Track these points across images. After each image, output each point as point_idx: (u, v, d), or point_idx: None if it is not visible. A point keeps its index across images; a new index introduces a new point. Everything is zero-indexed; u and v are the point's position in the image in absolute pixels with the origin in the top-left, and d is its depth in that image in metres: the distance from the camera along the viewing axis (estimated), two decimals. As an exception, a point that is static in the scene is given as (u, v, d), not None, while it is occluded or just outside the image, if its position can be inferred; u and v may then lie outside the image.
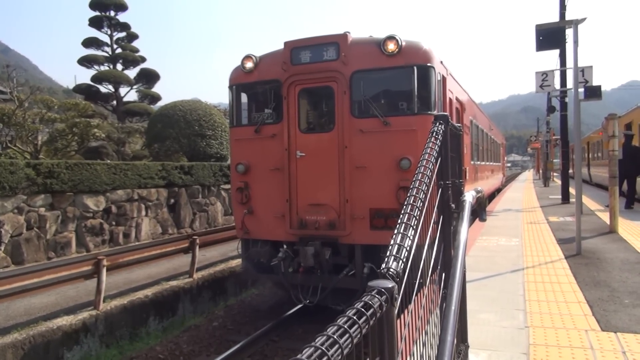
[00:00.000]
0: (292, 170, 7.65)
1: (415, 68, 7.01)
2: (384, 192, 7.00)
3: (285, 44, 7.75)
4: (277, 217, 7.74)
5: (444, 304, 2.23)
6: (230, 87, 8.41)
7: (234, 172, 8.24)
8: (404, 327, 1.85)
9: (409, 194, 2.06)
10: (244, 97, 8.57)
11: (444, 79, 7.93)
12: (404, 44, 7.06)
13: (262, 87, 8.13)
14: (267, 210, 7.87)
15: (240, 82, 8.31)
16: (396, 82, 7.49)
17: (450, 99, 8.81)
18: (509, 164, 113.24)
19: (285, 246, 7.67)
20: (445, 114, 2.97)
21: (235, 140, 8.39)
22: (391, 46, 7.00)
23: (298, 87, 7.72)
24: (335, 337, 1.07)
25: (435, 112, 6.98)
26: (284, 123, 7.71)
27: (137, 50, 32.12)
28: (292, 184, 7.65)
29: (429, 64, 7.13)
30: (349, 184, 7.25)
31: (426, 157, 2.37)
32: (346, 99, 7.31)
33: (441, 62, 7.78)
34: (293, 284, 7.63)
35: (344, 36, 7.35)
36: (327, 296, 7.29)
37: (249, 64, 8.04)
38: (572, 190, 15.38)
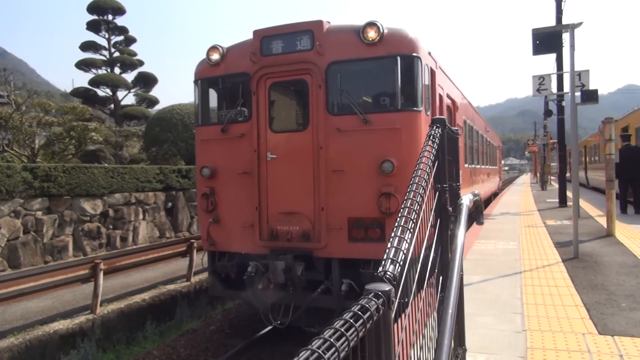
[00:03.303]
0: (262, 174, 6.92)
1: (398, 58, 6.28)
2: (364, 199, 6.30)
3: (255, 32, 6.97)
4: (245, 226, 6.99)
5: (442, 308, 2.24)
6: (196, 82, 7.63)
7: (199, 177, 7.49)
8: (401, 331, 1.85)
9: (406, 197, 2.06)
10: (210, 93, 7.81)
11: (432, 72, 7.20)
12: (386, 31, 6.32)
13: (230, 81, 7.40)
14: (234, 219, 7.12)
15: (205, 76, 7.53)
16: (377, 74, 6.71)
17: (440, 95, 8.04)
18: (506, 168, 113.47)
19: (256, 260, 6.89)
20: (442, 117, 2.97)
21: (201, 141, 7.58)
22: (371, 34, 6.27)
23: (269, 80, 6.97)
24: (332, 340, 1.07)
25: (421, 109, 6.43)
26: (253, 121, 6.98)
27: (134, 54, 32.19)
28: (262, 189, 6.93)
29: (414, 54, 6.38)
30: (324, 190, 6.52)
31: (423, 160, 2.38)
32: (321, 94, 6.58)
33: (429, 53, 7.03)
34: (263, 303, 6.82)
35: (319, 23, 6.63)
36: (301, 316, 6.58)
37: (215, 56, 7.27)
38: (569, 194, 15.43)
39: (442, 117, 3.05)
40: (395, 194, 6.09)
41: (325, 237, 6.53)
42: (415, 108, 6.37)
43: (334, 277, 6.48)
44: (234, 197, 7.13)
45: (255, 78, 6.94)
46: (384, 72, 6.55)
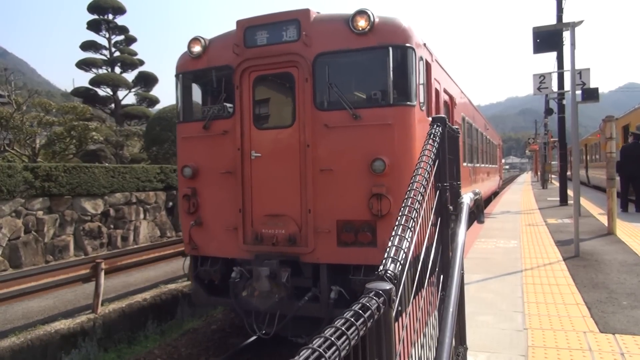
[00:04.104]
0: (246, 174, 6.51)
1: (390, 49, 5.86)
2: (354, 201, 5.90)
3: (238, 22, 6.57)
4: (228, 230, 6.58)
5: (442, 306, 2.24)
6: (177, 76, 7.25)
7: (180, 177, 7.12)
8: (402, 329, 1.85)
9: (406, 196, 2.06)
10: (192, 88, 7.45)
11: (428, 65, 6.80)
12: (377, 20, 5.89)
13: (212, 75, 7.00)
14: (217, 222, 6.73)
15: (187, 69, 7.14)
16: (368, 66, 6.28)
17: (436, 90, 7.57)
18: (506, 166, 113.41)
19: (241, 265, 6.52)
20: (443, 116, 2.97)
21: (182, 139, 7.19)
22: (362, 23, 5.85)
23: (253, 74, 6.56)
24: (332, 339, 1.07)
25: (415, 104, 6.01)
26: (236, 117, 6.56)
27: (135, 53, 32.19)
28: (246, 190, 6.52)
29: (407, 45, 5.94)
30: (311, 191, 6.11)
31: (424, 159, 2.38)
32: (308, 88, 6.17)
33: (424, 44, 6.62)
34: (247, 311, 6.41)
35: (306, 12, 6.20)
36: (287, 326, 6.18)
37: (197, 48, 6.86)
38: (570, 193, 15.42)
39: (443, 115, 3.04)
40: (387, 195, 5.72)
41: (312, 241, 6.12)
42: (408, 102, 5.95)
43: (322, 284, 6.07)
44: (217, 198, 6.76)
45: (238, 71, 6.54)
46: (374, 63, 6.15)
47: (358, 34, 5.92)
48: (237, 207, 6.53)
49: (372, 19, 5.86)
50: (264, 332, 6.33)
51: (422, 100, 6.33)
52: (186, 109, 7.35)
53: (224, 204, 6.65)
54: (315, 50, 6.13)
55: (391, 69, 5.91)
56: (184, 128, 7.21)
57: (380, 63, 5.98)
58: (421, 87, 6.34)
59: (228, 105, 6.74)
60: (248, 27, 6.47)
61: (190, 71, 7.16)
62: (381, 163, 5.73)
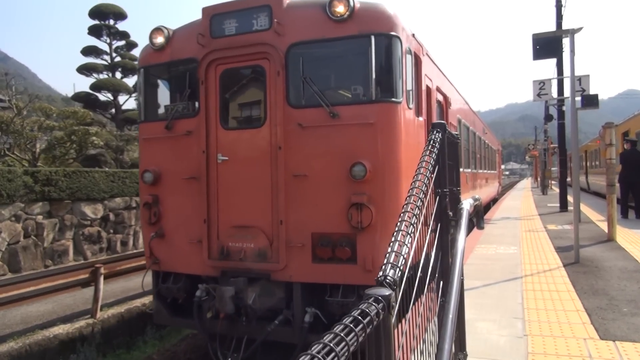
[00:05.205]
0: (211, 180, 5.87)
1: (372, 38, 5.18)
2: (331, 211, 5.23)
3: (204, 10, 5.93)
4: (192, 242, 5.93)
5: (442, 312, 2.23)
6: (138, 70, 6.61)
7: (141, 183, 6.43)
8: (402, 336, 1.84)
9: (405, 202, 2.06)
10: (155, 83, 6.80)
11: (417, 58, 6.16)
12: (357, 5, 5.24)
13: (176, 68, 6.35)
14: (180, 234, 6.07)
15: (149, 63, 6.46)
16: (347, 57, 5.64)
17: (428, 88, 6.93)
18: (506, 172, 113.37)
19: (207, 282, 5.90)
20: (443, 122, 2.98)
21: (143, 140, 6.49)
22: (340, 8, 5.20)
23: (220, 67, 5.92)
24: (331, 345, 1.07)
25: (401, 100, 5.34)
26: (201, 116, 5.91)
27: (136, 59, 32.18)
28: (212, 198, 5.87)
29: (392, 33, 5.28)
30: (284, 200, 5.45)
31: (423, 165, 2.38)
32: (280, 82, 5.52)
33: (413, 35, 5.96)
34: (212, 335, 5.85)
35: None
36: (255, 352, 5.57)
37: (159, 39, 6.21)
38: (570, 199, 15.41)
39: (443, 121, 3.04)
40: (369, 204, 5.05)
41: (284, 256, 5.45)
42: (393, 99, 5.27)
43: (296, 306, 5.38)
44: (180, 207, 6.11)
45: (203, 64, 5.90)
46: (355, 54, 5.49)
47: (336, 21, 5.27)
48: (201, 217, 5.89)
49: (351, 4, 5.21)
50: (229, 359, 5.71)
51: (409, 97, 5.70)
52: (148, 107, 6.72)
53: (188, 214, 6.02)
54: (289, 40, 5.50)
55: (374, 60, 5.24)
56: (145, 128, 6.57)
57: (361, 54, 5.31)
58: (409, 82, 5.69)
59: (192, 102, 6.14)
60: (214, 15, 5.84)
61: (152, 65, 6.50)
62: (362, 168, 5.07)
